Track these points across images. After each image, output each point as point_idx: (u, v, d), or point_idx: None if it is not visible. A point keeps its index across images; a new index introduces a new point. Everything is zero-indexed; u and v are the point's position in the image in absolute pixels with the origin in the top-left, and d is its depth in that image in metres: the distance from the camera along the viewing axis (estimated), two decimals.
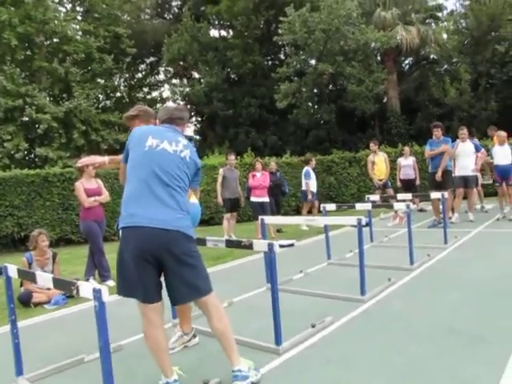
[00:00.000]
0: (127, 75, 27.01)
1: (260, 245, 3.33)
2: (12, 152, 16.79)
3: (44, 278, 2.76)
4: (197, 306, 2.93)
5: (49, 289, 5.60)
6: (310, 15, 17.20)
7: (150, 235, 2.62)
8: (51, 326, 4.70)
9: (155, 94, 28.43)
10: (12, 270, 3.16)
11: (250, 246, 3.37)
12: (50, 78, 18.89)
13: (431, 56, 22.17)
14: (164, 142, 2.82)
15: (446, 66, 21.70)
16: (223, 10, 21.24)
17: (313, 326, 3.73)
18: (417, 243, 6.21)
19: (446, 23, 21.84)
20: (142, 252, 2.63)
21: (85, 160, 3.54)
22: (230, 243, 3.47)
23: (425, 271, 5.61)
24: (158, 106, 28.20)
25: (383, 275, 5.23)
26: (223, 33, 24.66)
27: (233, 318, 4.24)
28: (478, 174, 10.16)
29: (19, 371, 3.19)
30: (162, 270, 2.75)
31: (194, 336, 3.68)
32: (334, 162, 15.72)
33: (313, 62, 19.39)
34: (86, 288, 2.37)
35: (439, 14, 22.28)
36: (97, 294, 2.28)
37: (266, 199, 9.22)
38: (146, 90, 28.36)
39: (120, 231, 2.75)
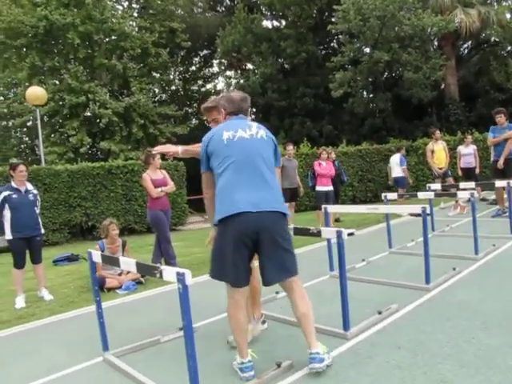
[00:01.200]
0: (181, 68, 27.57)
1: (328, 232, 3.41)
2: (76, 146, 17.59)
3: (127, 263, 2.96)
4: (283, 287, 3.06)
5: (120, 275, 5.95)
6: (364, 2, 16.89)
7: (254, 219, 2.75)
8: (124, 309, 4.99)
9: (209, 86, 28.92)
10: (96, 256, 3.41)
11: (318, 234, 3.46)
12: (110, 75, 19.59)
13: (493, 38, 21.19)
14: (238, 130, 2.96)
15: (509, 48, 20.72)
16: (276, 0, 21.24)
17: (379, 313, 3.79)
18: (481, 233, 6.07)
19: (510, 2, 20.71)
20: (243, 237, 2.77)
21: (160, 148, 3.74)
22: (298, 231, 3.56)
23: (491, 261, 5.49)
24: (213, 97, 28.58)
25: (447, 264, 5.17)
26: (276, 23, 24.66)
27: None
28: None
29: (105, 347, 3.46)
30: (254, 253, 2.90)
31: (264, 322, 3.81)
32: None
33: (367, 50, 19.07)
34: (170, 272, 2.53)
35: None
36: (181, 277, 2.43)
37: (331, 188, 9.31)
38: (200, 82, 28.88)
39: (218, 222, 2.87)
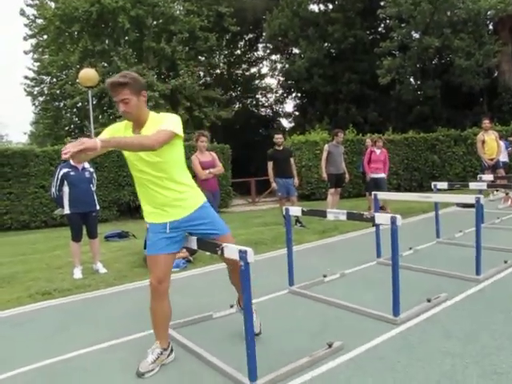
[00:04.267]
0: (226, 52, 27.61)
1: (382, 218, 3.44)
2: None
3: (190, 240, 3.07)
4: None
5: None
6: None
7: None
8: (175, 286, 5.15)
9: (253, 70, 28.92)
10: None
11: (371, 219, 3.49)
12: (157, 57, 19.88)
13: None
14: None
15: None
16: None
17: (428, 301, 3.80)
18: None
19: None
20: None
21: (70, 147, 2.51)
22: (351, 215, 3.60)
23: None
24: (257, 82, 28.74)
25: (498, 257, 5.09)
26: (323, 7, 24.29)
27: (346, 289, 4.46)
28: None
29: None
30: None
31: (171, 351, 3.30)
32: (438, 140, 15.15)
33: (417, 35, 18.56)
34: (232, 249, 2.63)
35: None
36: (243, 254, 2.52)
37: (383, 175, 9.29)
38: (244, 66, 28.89)
39: None
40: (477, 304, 3.83)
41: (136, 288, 5.05)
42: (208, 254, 6.11)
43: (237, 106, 27.64)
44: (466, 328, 3.32)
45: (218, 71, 26.98)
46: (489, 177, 7.66)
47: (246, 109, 28.13)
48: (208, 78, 26.15)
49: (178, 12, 19.86)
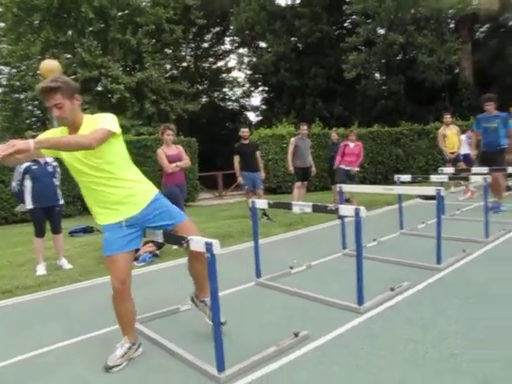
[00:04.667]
0: (193, 45, 27.38)
1: (347, 210, 3.51)
2: None
3: (154, 234, 3.06)
4: None
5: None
6: None
7: None
8: (142, 280, 5.13)
9: (221, 63, 28.79)
10: None
11: (336, 211, 3.56)
12: (123, 49, 19.55)
13: (511, 23, 20.88)
14: None
15: None
16: None
17: (392, 290, 3.91)
18: (491, 217, 6.16)
19: None
20: None
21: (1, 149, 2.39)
22: (316, 208, 3.66)
23: (500, 245, 5.58)
24: (224, 75, 28.64)
25: (457, 246, 5.28)
26: (290, 1, 24.40)
27: (312, 280, 4.54)
28: None
29: None
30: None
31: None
32: (402, 134, 15.48)
33: (382, 31, 18.89)
34: (198, 241, 2.63)
35: None
36: (209, 246, 2.53)
37: (354, 169, 9.45)
38: (211, 59, 28.72)
39: None
40: (436, 291, 3.97)
41: (104, 283, 4.98)
42: (175, 247, 6.11)
43: (204, 99, 27.47)
44: (425, 315, 3.44)
45: (185, 64, 26.74)
46: (450, 170, 7.87)
47: (213, 102, 28.00)
48: (175, 71, 25.87)
49: (144, 3, 19.56)
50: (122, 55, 19.62)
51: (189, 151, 12.68)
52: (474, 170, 7.48)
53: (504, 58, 19.46)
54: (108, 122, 2.80)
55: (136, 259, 5.92)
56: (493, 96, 8.02)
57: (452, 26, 20.40)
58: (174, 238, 2.97)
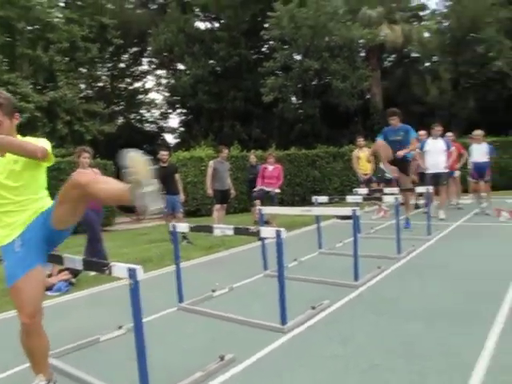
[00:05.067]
0: (109, 65, 26.79)
1: (268, 232, 3.57)
2: None
3: (73, 260, 2.90)
4: None
5: (49, 276, 5.73)
6: (297, 11, 17.45)
7: None
8: (57, 311, 4.84)
9: (138, 84, 28.36)
10: None
11: (257, 233, 3.60)
12: (33, 66, 18.64)
13: (413, 54, 22.63)
14: None
15: (427, 65, 22.19)
16: (210, 2, 21.32)
17: (313, 308, 4.00)
18: (402, 235, 6.54)
19: (428, 22, 22.25)
20: None
21: None
22: (238, 231, 3.69)
23: (411, 260, 5.95)
24: (141, 96, 28.22)
25: (373, 263, 5.53)
26: (209, 25, 24.74)
27: (235, 302, 4.53)
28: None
29: None
30: None
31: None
32: (318, 156, 16.03)
33: (299, 57, 19.63)
34: (120, 268, 2.54)
35: (422, 14, 22.72)
36: (132, 272, 2.46)
37: (275, 190, 9.62)
38: (128, 80, 28.23)
39: None
40: (355, 308, 4.14)
41: (9, 318, 4.62)
42: (92, 273, 5.84)
43: (120, 120, 26.83)
44: (344, 332, 3.57)
45: (101, 84, 26.07)
46: (364, 190, 8.26)
47: (130, 124, 27.45)
48: (90, 91, 25.08)
49: (56, 19, 18.86)
50: (33, 72, 18.67)
51: (105, 174, 12.29)
52: (386, 190, 7.91)
53: (408, 86, 20.94)
54: (48, 144, 2.67)
55: (49, 289, 5.61)
56: (396, 110, 8.42)
57: (363, 54, 21.67)
58: (94, 264, 2.85)
